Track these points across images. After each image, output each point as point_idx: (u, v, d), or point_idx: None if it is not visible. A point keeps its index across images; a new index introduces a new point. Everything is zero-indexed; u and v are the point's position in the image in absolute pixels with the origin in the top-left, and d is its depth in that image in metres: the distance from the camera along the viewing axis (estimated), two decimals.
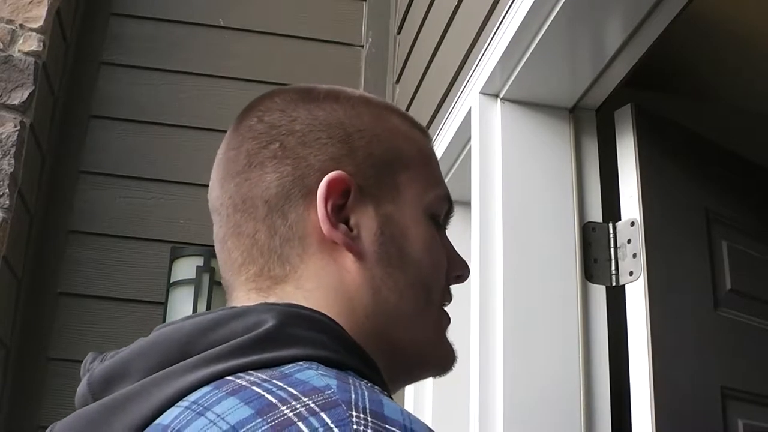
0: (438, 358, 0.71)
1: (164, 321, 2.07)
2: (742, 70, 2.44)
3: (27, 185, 2.06)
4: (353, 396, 0.49)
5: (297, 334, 0.57)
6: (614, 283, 1.41)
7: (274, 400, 0.49)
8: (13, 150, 1.96)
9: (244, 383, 0.51)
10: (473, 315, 1.40)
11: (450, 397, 1.75)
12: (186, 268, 2.09)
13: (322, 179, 0.65)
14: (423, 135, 0.76)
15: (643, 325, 1.33)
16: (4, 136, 1.97)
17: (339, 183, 0.65)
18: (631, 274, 1.39)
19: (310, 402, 0.48)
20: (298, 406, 0.48)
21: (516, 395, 1.33)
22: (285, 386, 0.50)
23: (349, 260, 0.65)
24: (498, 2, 1.52)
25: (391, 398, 0.58)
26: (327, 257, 0.65)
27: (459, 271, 0.73)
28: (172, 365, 0.56)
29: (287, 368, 0.53)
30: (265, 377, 0.52)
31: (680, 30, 1.40)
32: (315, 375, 0.52)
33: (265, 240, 0.66)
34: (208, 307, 2.04)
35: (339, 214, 0.65)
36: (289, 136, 0.68)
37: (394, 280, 0.66)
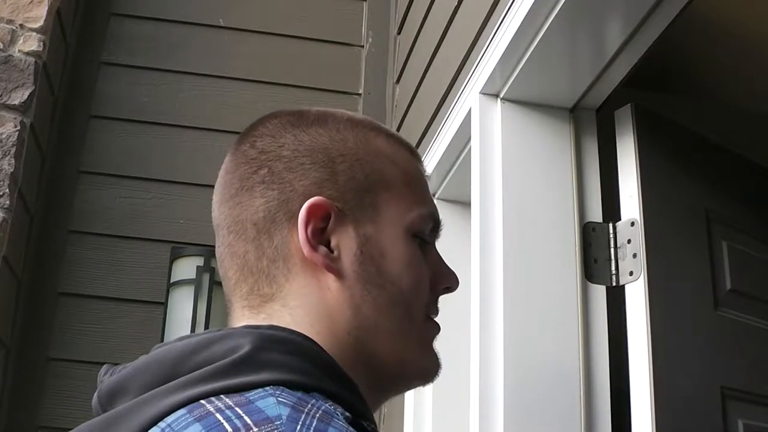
0: (420, 370, 0.75)
1: (164, 321, 2.07)
2: (742, 70, 2.44)
3: (27, 185, 2.06)
4: (298, 428, 0.53)
5: (270, 358, 0.61)
6: (614, 283, 1.41)
7: (230, 429, 0.54)
8: (13, 150, 1.96)
9: (211, 409, 0.56)
10: (473, 315, 1.40)
11: (450, 398, 1.74)
12: (186, 268, 2.09)
13: (304, 203, 0.70)
14: (410, 155, 0.79)
15: (643, 325, 1.33)
16: (4, 136, 1.97)
17: (319, 208, 0.70)
18: (631, 274, 1.39)
19: None
20: None
21: (516, 395, 1.33)
22: (242, 414, 0.55)
23: (330, 279, 0.69)
24: (498, 2, 1.52)
25: (369, 417, 0.63)
26: (310, 277, 0.70)
27: (446, 282, 0.77)
28: (163, 384, 0.61)
29: (252, 394, 0.57)
30: (230, 403, 0.56)
31: (680, 30, 1.40)
32: (273, 403, 0.56)
33: (254, 260, 0.71)
34: (208, 307, 2.04)
35: (321, 236, 0.70)
36: (277, 162, 0.72)
37: (374, 297, 0.70)
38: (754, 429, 1.47)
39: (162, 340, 2.04)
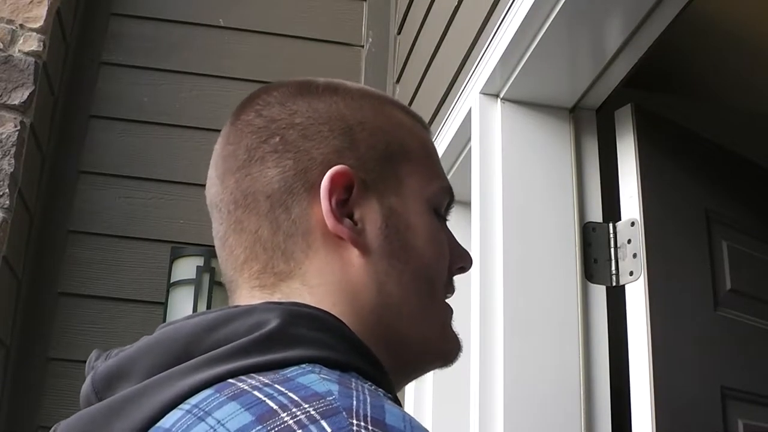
0: (443, 350, 0.70)
1: (164, 321, 2.07)
2: (742, 70, 2.44)
3: (27, 185, 2.06)
4: (354, 402, 0.49)
5: (300, 334, 0.56)
6: (614, 283, 1.41)
7: (275, 406, 0.48)
8: (13, 150, 1.96)
9: (246, 387, 0.51)
10: (473, 315, 1.40)
11: (450, 398, 1.74)
12: (186, 268, 2.09)
13: (325, 173, 0.64)
14: (423, 128, 0.76)
15: (643, 325, 1.33)
16: (4, 136, 1.97)
17: (342, 177, 0.64)
18: (631, 274, 1.39)
19: (311, 409, 0.47)
20: (298, 413, 0.47)
21: (516, 395, 1.33)
22: (286, 391, 0.49)
23: (354, 255, 0.64)
24: (498, 2, 1.52)
25: (396, 399, 0.58)
26: (332, 252, 0.64)
27: (461, 262, 0.73)
28: (175, 366, 0.55)
29: (289, 371, 0.52)
30: (266, 381, 0.51)
31: (680, 30, 1.40)
32: (317, 379, 0.51)
33: (268, 236, 0.65)
34: (208, 307, 2.04)
35: (343, 208, 0.64)
36: (290, 130, 0.67)
37: (398, 273, 0.65)
38: (754, 429, 1.47)
39: None
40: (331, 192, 0.64)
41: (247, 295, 0.65)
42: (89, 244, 2.20)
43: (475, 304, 1.40)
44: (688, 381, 1.38)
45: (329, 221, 0.63)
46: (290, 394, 0.49)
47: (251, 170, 0.66)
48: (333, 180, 0.64)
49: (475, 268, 1.43)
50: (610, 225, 1.45)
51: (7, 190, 1.93)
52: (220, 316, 0.57)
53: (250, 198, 0.66)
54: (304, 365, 0.53)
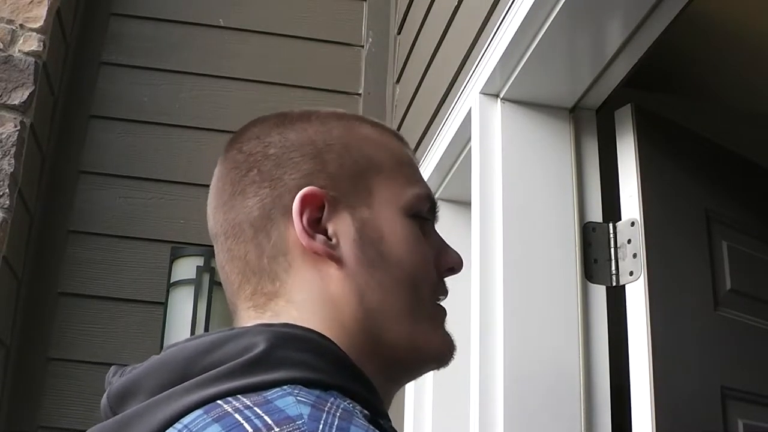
0: (434, 352, 0.72)
1: (164, 321, 2.07)
2: (742, 70, 2.44)
3: (27, 185, 2.06)
4: (320, 427, 0.53)
5: (285, 356, 0.60)
6: (614, 283, 1.41)
7: (250, 430, 0.53)
8: (13, 150, 1.96)
9: (229, 409, 0.55)
10: (473, 315, 1.40)
11: (450, 398, 1.74)
12: (186, 268, 2.09)
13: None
14: (397, 140, 0.79)
15: (643, 325, 1.33)
16: (4, 136, 1.97)
17: (312, 197, 0.69)
18: (631, 274, 1.39)
19: None
20: None
21: (516, 395, 1.33)
22: (262, 414, 0.54)
23: (332, 268, 0.68)
24: (498, 2, 1.52)
25: (380, 412, 0.61)
26: (311, 268, 0.69)
27: (450, 263, 0.76)
28: (176, 385, 0.60)
29: (271, 393, 0.56)
30: (248, 403, 0.55)
31: (680, 30, 1.40)
32: (292, 402, 0.55)
33: (255, 260, 0.70)
34: (208, 307, 2.04)
35: (317, 226, 0.69)
36: (265, 161, 0.72)
37: (378, 281, 0.69)
38: (754, 429, 1.47)
39: (162, 340, 2.05)
40: (301, 212, 0.69)
41: (244, 316, 0.70)
42: (89, 244, 2.20)
43: (475, 304, 1.40)
44: (688, 381, 1.38)
45: (303, 239, 0.68)
46: (265, 417, 0.53)
47: (235, 203, 0.72)
48: (302, 201, 0.69)
49: (475, 268, 1.43)
50: (610, 225, 1.45)
51: (7, 190, 1.93)
52: (216, 339, 0.62)
53: (237, 227, 0.72)
54: (285, 387, 0.57)
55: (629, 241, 1.40)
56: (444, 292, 0.75)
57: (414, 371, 0.74)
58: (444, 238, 0.77)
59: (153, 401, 0.60)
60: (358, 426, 0.54)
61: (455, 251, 0.76)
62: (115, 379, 0.65)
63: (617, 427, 1.37)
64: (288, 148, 0.72)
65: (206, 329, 2.03)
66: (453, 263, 0.76)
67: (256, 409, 0.54)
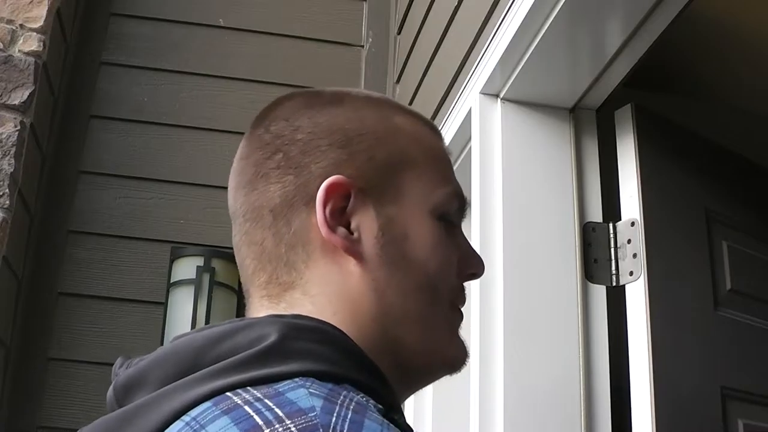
0: (448, 358, 0.70)
1: (164, 321, 2.07)
2: (742, 70, 2.44)
3: (27, 185, 2.06)
4: (334, 419, 0.51)
5: (297, 347, 0.58)
6: (614, 283, 1.41)
7: (260, 422, 0.51)
8: (13, 150, 1.96)
9: (239, 401, 0.54)
10: (473, 315, 1.40)
11: (450, 398, 1.74)
12: (186, 268, 2.09)
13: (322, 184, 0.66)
14: (432, 132, 0.75)
15: (643, 325, 1.33)
16: (4, 136, 1.97)
17: (338, 187, 0.66)
18: (631, 274, 1.39)
19: (292, 425, 0.50)
20: (280, 429, 0.50)
21: (516, 395, 1.33)
22: (273, 406, 0.52)
23: (351, 264, 0.66)
24: (498, 2, 1.52)
25: (395, 407, 0.60)
26: (330, 262, 0.66)
27: (473, 268, 0.73)
28: (185, 376, 0.58)
29: (282, 385, 0.55)
30: (258, 395, 0.54)
31: (680, 30, 1.40)
32: (304, 394, 0.53)
33: (272, 247, 0.67)
34: (208, 307, 2.04)
35: (340, 217, 0.66)
36: (292, 146, 0.69)
37: (398, 281, 0.66)
38: (754, 429, 1.47)
39: (162, 341, 2.04)
40: (325, 202, 0.66)
41: (257, 304, 0.68)
42: (89, 244, 2.20)
43: (475, 304, 1.40)
44: (688, 381, 1.38)
45: (323, 230, 0.65)
46: (276, 410, 0.52)
47: (257, 185, 0.69)
48: (327, 190, 0.66)
49: None
50: (610, 225, 1.45)
51: (7, 190, 1.93)
52: (226, 330, 0.60)
53: (257, 212, 0.69)
54: (297, 379, 0.55)
55: (629, 241, 1.40)
56: (462, 300, 0.72)
57: (426, 377, 0.72)
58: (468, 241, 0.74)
59: (160, 393, 0.58)
60: (372, 420, 0.52)
61: (479, 256, 0.74)
62: (121, 371, 0.63)
63: (617, 427, 1.37)
64: (317, 134, 0.69)
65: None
66: (475, 268, 0.73)
67: (266, 401, 0.53)
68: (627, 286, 1.39)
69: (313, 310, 0.64)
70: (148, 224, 2.23)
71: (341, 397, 0.54)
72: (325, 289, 0.65)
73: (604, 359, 1.39)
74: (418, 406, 1.82)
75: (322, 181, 0.66)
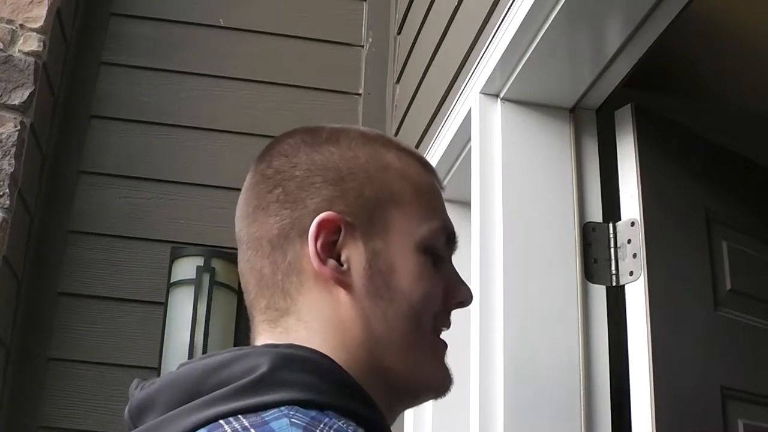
0: (432, 383, 0.75)
1: (164, 321, 2.07)
2: (742, 70, 2.44)
3: (27, 185, 2.06)
4: None
5: (285, 377, 0.63)
6: (614, 283, 1.41)
7: None
8: (13, 150, 1.96)
9: (228, 430, 0.59)
10: (473, 315, 1.40)
11: (450, 398, 1.74)
12: (186, 268, 2.09)
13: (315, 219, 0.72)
14: (422, 167, 0.80)
15: (643, 325, 1.33)
16: (4, 136, 1.97)
17: (328, 222, 0.71)
18: (631, 274, 1.39)
19: None
20: None
21: (516, 395, 1.33)
22: None
23: (341, 293, 0.71)
24: (498, 2, 1.52)
25: (383, 429, 0.65)
26: (322, 291, 0.71)
27: (460, 297, 0.78)
28: (187, 402, 0.63)
29: (268, 414, 0.59)
30: (246, 424, 0.59)
31: (680, 30, 1.40)
32: (286, 424, 0.58)
33: (269, 275, 0.73)
34: (208, 307, 2.04)
35: (331, 250, 0.72)
36: (290, 182, 0.74)
37: (383, 311, 0.71)
38: (754, 429, 1.47)
39: (162, 340, 2.05)
40: (316, 236, 0.71)
41: (259, 327, 0.74)
42: (89, 244, 2.20)
43: (475, 305, 1.40)
44: (688, 381, 1.38)
45: (314, 262, 0.71)
46: None
47: (258, 216, 0.75)
48: (319, 225, 0.71)
49: (475, 268, 1.43)
50: (610, 225, 1.45)
51: (7, 190, 1.93)
52: (224, 359, 0.65)
53: (256, 241, 0.75)
54: (282, 408, 0.60)
55: (629, 241, 1.40)
56: (447, 324, 0.77)
57: (411, 399, 0.77)
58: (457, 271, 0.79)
59: (165, 418, 0.63)
60: None
61: (466, 286, 0.78)
62: (136, 393, 0.69)
63: (617, 427, 1.37)
64: (312, 171, 0.74)
65: (206, 329, 2.03)
66: (463, 298, 0.78)
67: (252, 430, 0.58)
68: (627, 286, 1.39)
69: (306, 336, 0.70)
70: (148, 224, 2.23)
71: (321, 425, 0.58)
72: (317, 315, 0.71)
73: (604, 359, 1.39)
74: (417, 413, 1.82)
75: (315, 216, 0.72)
